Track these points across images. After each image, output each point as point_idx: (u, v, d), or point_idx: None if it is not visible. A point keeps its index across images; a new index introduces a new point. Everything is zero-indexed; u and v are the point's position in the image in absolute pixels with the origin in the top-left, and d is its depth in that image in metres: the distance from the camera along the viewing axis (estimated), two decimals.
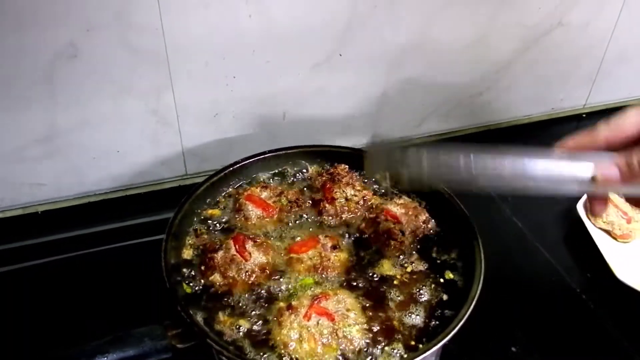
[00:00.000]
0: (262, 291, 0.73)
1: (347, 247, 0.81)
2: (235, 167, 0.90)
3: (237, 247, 0.76)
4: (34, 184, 0.96)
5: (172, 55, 0.90)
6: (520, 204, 1.05)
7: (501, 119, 1.30)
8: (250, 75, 0.98)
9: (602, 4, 1.18)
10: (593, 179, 0.58)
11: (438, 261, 0.79)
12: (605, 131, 0.61)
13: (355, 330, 0.68)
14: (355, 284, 0.75)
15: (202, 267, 0.76)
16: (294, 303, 0.69)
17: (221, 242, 0.78)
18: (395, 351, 0.67)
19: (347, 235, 0.83)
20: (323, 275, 0.75)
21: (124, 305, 0.80)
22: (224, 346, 0.64)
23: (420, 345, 0.67)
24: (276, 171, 0.94)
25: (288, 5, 0.92)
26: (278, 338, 0.66)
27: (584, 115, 1.38)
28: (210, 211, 0.85)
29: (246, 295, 0.73)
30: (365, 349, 0.67)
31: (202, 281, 0.74)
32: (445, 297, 0.74)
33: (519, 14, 1.11)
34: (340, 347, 0.66)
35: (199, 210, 0.85)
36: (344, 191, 0.87)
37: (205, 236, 0.81)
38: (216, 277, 0.74)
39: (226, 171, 0.89)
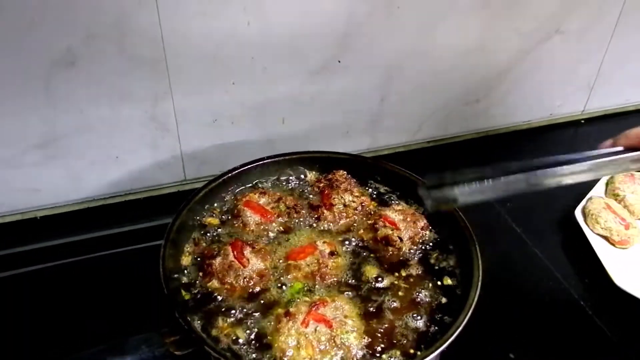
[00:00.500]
0: (260, 297, 0.73)
1: (345, 253, 0.81)
2: (233, 172, 0.90)
3: (235, 253, 0.76)
4: (32, 190, 0.96)
5: (171, 62, 0.90)
6: (519, 210, 1.05)
7: (499, 125, 1.30)
8: (249, 81, 0.98)
9: (599, 11, 1.18)
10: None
11: (436, 267, 0.80)
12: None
13: (352, 337, 0.68)
14: (353, 290, 0.75)
15: (201, 274, 0.76)
16: (291, 310, 0.69)
17: (219, 248, 0.78)
18: (393, 358, 0.67)
19: (345, 242, 0.83)
20: (321, 282, 0.75)
21: (121, 311, 0.80)
22: (222, 353, 0.64)
23: (419, 352, 0.67)
24: (275, 177, 0.94)
25: (286, 12, 0.92)
26: (276, 345, 0.66)
27: (582, 122, 1.39)
28: (208, 219, 0.85)
29: (244, 301, 0.73)
30: (362, 356, 0.67)
31: (201, 287, 0.74)
32: (443, 302, 0.74)
33: (517, 22, 1.12)
34: (338, 354, 0.66)
35: (198, 217, 0.85)
36: (342, 197, 0.87)
37: (204, 242, 0.81)
38: (214, 284, 0.74)
39: (225, 177, 0.89)
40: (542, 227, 1.03)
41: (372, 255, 0.81)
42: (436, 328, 0.71)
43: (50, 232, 0.97)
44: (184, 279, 0.76)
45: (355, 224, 0.86)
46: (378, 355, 0.67)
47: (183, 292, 0.73)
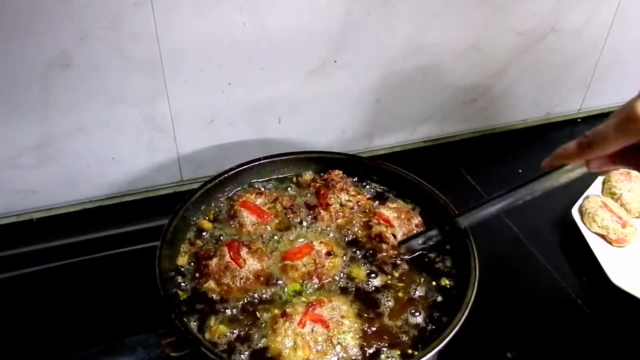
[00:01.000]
0: (257, 298, 0.73)
1: (342, 253, 0.81)
2: (230, 173, 0.90)
3: (231, 254, 0.76)
4: (28, 191, 0.96)
5: (166, 63, 0.90)
6: (515, 209, 1.05)
7: (496, 124, 1.30)
8: (245, 81, 0.98)
9: (595, 10, 1.18)
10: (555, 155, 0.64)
11: (433, 267, 0.79)
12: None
13: (349, 337, 0.67)
14: (349, 290, 0.75)
15: (197, 274, 0.75)
16: (288, 310, 0.69)
17: (216, 249, 0.78)
18: (390, 358, 0.67)
19: (342, 241, 0.83)
20: (318, 282, 0.75)
21: (118, 313, 0.80)
22: (218, 354, 0.64)
23: (416, 352, 0.67)
24: (271, 177, 0.94)
25: (282, 12, 0.92)
26: (272, 345, 0.66)
27: (579, 120, 1.39)
28: (202, 222, 0.84)
29: (241, 302, 0.73)
30: (359, 356, 0.67)
31: (197, 288, 0.74)
32: (439, 300, 0.74)
33: (513, 20, 1.12)
34: (335, 355, 0.66)
35: (194, 218, 0.85)
36: (338, 197, 0.87)
37: (200, 243, 0.81)
38: (210, 285, 0.74)
39: (221, 177, 0.89)
40: (539, 226, 1.03)
41: (367, 253, 0.81)
42: (433, 327, 0.71)
43: (47, 234, 0.97)
44: (181, 280, 0.75)
45: (351, 223, 0.86)
46: (375, 355, 0.67)
47: (179, 293, 0.73)
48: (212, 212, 0.87)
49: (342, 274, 0.77)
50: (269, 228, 0.84)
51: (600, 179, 1.10)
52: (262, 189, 0.91)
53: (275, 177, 0.94)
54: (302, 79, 1.02)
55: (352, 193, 0.89)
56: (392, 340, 0.69)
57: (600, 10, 1.19)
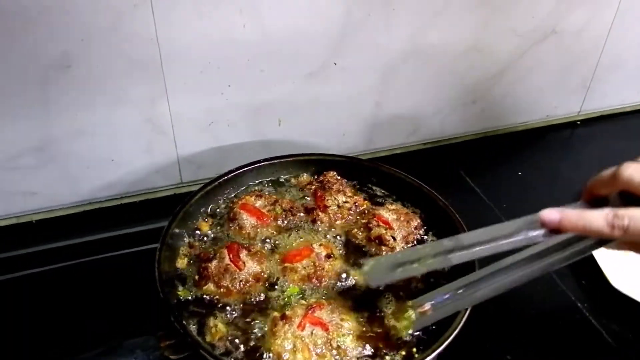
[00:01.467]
0: (256, 301, 0.73)
1: (341, 255, 0.81)
2: (230, 175, 0.90)
3: (231, 256, 0.76)
4: (28, 193, 0.96)
5: (166, 65, 0.90)
6: (516, 212, 1.05)
7: (496, 126, 1.30)
8: (245, 84, 0.98)
9: (595, 12, 1.18)
10: (541, 224, 0.59)
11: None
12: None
13: (349, 339, 0.67)
14: (349, 292, 0.75)
15: (196, 277, 0.75)
16: (288, 313, 0.69)
17: (215, 251, 0.78)
18: None
19: (341, 243, 0.83)
20: (317, 285, 0.75)
21: (117, 315, 0.80)
22: (217, 357, 0.64)
23: (416, 354, 0.67)
24: (271, 179, 0.94)
25: (282, 14, 0.92)
26: (272, 348, 0.66)
27: (579, 122, 1.39)
28: (203, 224, 0.84)
29: (240, 304, 0.73)
30: (360, 358, 0.67)
31: (196, 291, 0.74)
32: None
33: (513, 22, 1.12)
34: (335, 357, 0.66)
35: (194, 220, 0.84)
36: (335, 198, 0.87)
37: (200, 245, 0.81)
38: (210, 287, 0.74)
39: (221, 180, 0.89)
40: None
41: (367, 255, 0.81)
42: (433, 327, 0.70)
43: (46, 236, 0.97)
44: (180, 283, 0.75)
45: (350, 225, 0.86)
46: (374, 357, 0.67)
47: (179, 296, 0.73)
48: (212, 214, 0.87)
49: (341, 276, 0.77)
50: (268, 230, 0.84)
51: None
52: (262, 191, 0.91)
53: (275, 179, 0.94)
54: (301, 80, 1.02)
55: (349, 194, 0.89)
56: (392, 343, 0.69)
57: (600, 11, 1.19)
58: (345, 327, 0.68)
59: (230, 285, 0.73)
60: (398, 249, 0.81)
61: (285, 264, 0.77)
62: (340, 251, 0.81)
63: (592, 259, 0.91)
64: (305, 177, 0.95)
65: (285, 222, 0.85)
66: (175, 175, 1.05)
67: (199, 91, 0.96)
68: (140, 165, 1.01)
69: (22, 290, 0.87)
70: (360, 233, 0.83)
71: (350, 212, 0.87)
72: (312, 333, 0.67)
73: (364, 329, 0.70)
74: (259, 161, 0.93)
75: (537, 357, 0.81)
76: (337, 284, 0.76)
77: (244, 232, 0.83)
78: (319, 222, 0.85)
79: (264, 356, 0.66)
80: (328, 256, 0.77)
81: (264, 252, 0.79)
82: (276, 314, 0.70)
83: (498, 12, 1.09)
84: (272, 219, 0.85)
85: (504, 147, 1.27)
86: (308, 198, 0.90)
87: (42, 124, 0.89)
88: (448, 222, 0.83)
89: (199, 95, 0.96)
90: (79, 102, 0.89)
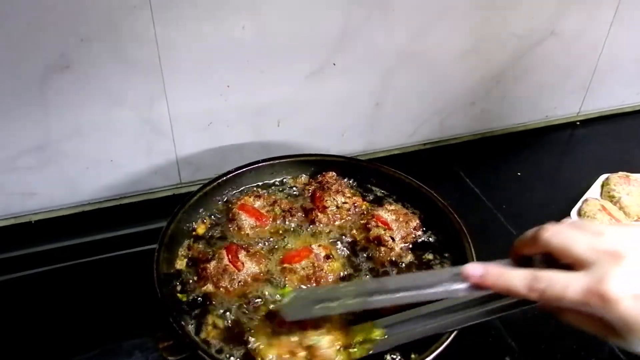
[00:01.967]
0: (255, 302, 0.73)
1: (341, 256, 0.81)
2: (228, 176, 0.90)
3: (229, 257, 0.75)
4: (26, 194, 0.96)
5: (165, 65, 0.90)
6: (515, 212, 1.05)
7: (495, 127, 1.30)
8: (244, 84, 0.98)
9: (594, 13, 1.18)
10: (463, 277, 0.56)
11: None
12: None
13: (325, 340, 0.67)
14: None
15: (195, 277, 0.75)
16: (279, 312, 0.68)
17: (214, 252, 0.77)
18: None
19: (340, 244, 0.83)
20: (317, 286, 0.75)
21: (116, 316, 0.79)
22: (216, 358, 0.64)
23: (413, 356, 0.67)
24: (270, 180, 0.94)
25: (282, 15, 0.92)
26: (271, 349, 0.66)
27: (578, 123, 1.39)
28: (202, 225, 0.84)
29: (239, 305, 0.72)
30: None
31: (195, 292, 0.74)
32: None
33: (512, 24, 1.12)
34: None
35: (193, 221, 0.84)
36: (334, 199, 0.87)
37: (198, 246, 0.81)
38: (209, 288, 0.73)
39: (219, 180, 0.89)
40: None
41: (366, 257, 0.80)
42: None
43: (45, 236, 0.96)
44: (178, 283, 0.75)
45: (349, 225, 0.86)
46: (374, 358, 0.67)
47: (177, 296, 0.73)
48: (211, 215, 0.87)
49: (340, 277, 0.77)
50: (267, 231, 0.84)
51: (599, 181, 1.10)
52: (261, 192, 0.90)
53: (274, 180, 0.94)
54: (301, 81, 1.02)
55: (348, 195, 0.89)
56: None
57: (599, 13, 1.19)
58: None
59: (229, 286, 0.73)
60: (397, 249, 0.81)
61: (284, 265, 0.77)
62: (340, 252, 0.81)
63: None
64: (304, 178, 0.95)
65: (284, 222, 0.85)
66: (174, 175, 1.05)
67: (198, 92, 0.96)
68: (139, 165, 1.01)
69: (21, 290, 0.87)
70: (359, 234, 0.83)
71: (349, 212, 0.87)
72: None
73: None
74: (258, 162, 0.92)
75: (537, 358, 0.81)
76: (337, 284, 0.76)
77: (242, 232, 0.83)
78: (317, 223, 0.85)
79: (263, 356, 0.66)
80: (327, 257, 0.77)
81: (262, 252, 0.79)
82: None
83: (497, 14, 1.09)
84: (271, 219, 0.85)
85: (504, 148, 1.27)
86: (307, 199, 0.90)
87: (41, 125, 0.89)
88: (447, 222, 0.83)
89: (198, 95, 0.96)
90: (78, 103, 0.89)
